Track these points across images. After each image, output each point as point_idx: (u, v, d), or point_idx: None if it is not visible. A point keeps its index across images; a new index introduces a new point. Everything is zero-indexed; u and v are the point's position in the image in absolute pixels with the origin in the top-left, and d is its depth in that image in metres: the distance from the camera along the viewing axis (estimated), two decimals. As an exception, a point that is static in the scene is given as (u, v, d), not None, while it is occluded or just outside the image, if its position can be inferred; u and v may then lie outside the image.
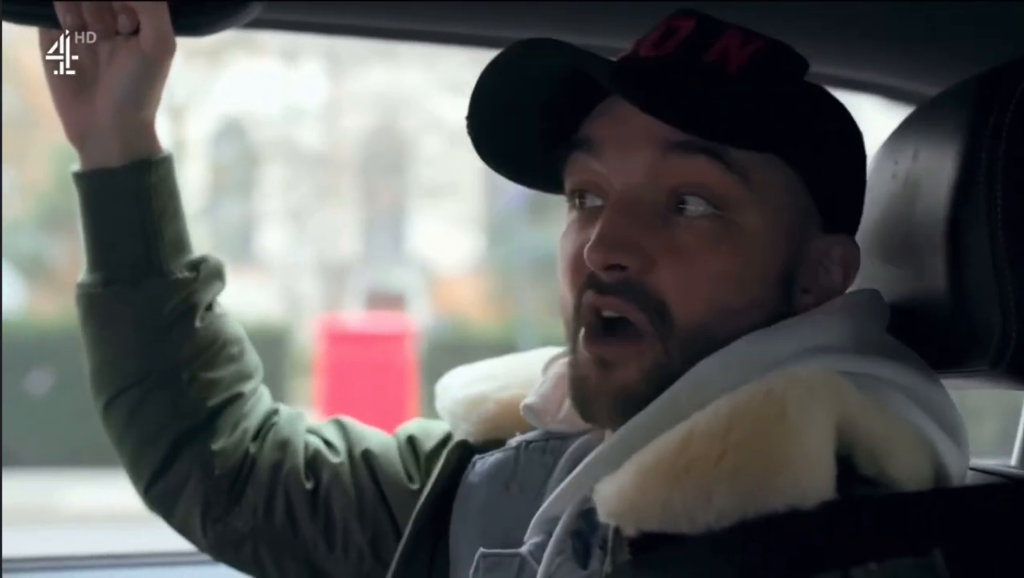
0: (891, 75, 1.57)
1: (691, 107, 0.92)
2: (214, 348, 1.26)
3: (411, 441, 1.28)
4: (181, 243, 1.25)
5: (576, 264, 0.97)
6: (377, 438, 1.29)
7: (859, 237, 1.11)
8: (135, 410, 1.25)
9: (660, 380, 0.93)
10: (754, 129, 0.94)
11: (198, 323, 1.25)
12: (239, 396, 1.28)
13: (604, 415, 0.96)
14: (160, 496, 1.29)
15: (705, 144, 0.92)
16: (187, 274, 1.24)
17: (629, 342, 0.94)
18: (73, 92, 1.22)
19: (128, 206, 1.22)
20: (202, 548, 1.31)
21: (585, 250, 0.94)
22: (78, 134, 1.23)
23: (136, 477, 1.30)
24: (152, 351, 1.24)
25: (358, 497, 1.25)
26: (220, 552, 1.30)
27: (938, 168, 0.97)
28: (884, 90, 1.62)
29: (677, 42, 0.97)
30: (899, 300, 1.02)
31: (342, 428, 1.31)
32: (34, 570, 1.81)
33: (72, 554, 1.87)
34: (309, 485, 1.26)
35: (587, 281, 0.96)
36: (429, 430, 1.28)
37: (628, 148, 0.95)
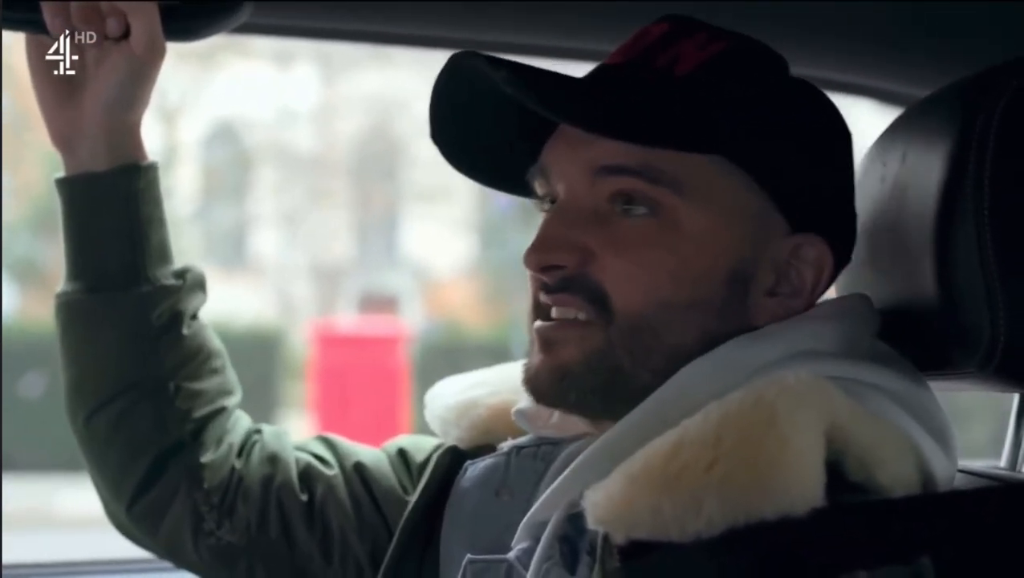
0: (881, 78, 1.58)
1: (603, 114, 0.94)
2: (199, 358, 1.25)
3: (402, 453, 1.27)
4: (166, 251, 1.24)
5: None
6: (367, 452, 1.28)
7: (847, 240, 1.11)
8: (119, 422, 1.22)
9: (600, 366, 0.95)
10: (677, 133, 0.95)
11: (185, 331, 1.23)
12: (223, 410, 1.26)
13: (546, 390, 0.98)
14: (145, 513, 1.25)
15: (625, 165, 0.95)
16: (173, 282, 1.23)
17: (572, 326, 0.97)
18: (60, 96, 1.21)
19: (114, 211, 1.21)
20: (191, 566, 1.28)
21: (523, 254, 0.97)
22: (64, 138, 1.22)
23: (116, 494, 1.26)
24: (138, 360, 1.22)
25: (355, 508, 1.24)
26: (213, 570, 1.26)
27: (926, 171, 0.98)
28: (874, 92, 1.62)
29: (639, 48, 1.00)
30: (888, 303, 1.03)
31: (329, 443, 1.29)
32: (34, 577, 1.81)
33: (71, 561, 1.87)
34: (304, 497, 1.24)
35: (538, 284, 0.99)
36: (419, 443, 1.27)
37: (567, 166, 0.98)
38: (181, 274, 1.24)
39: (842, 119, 1.03)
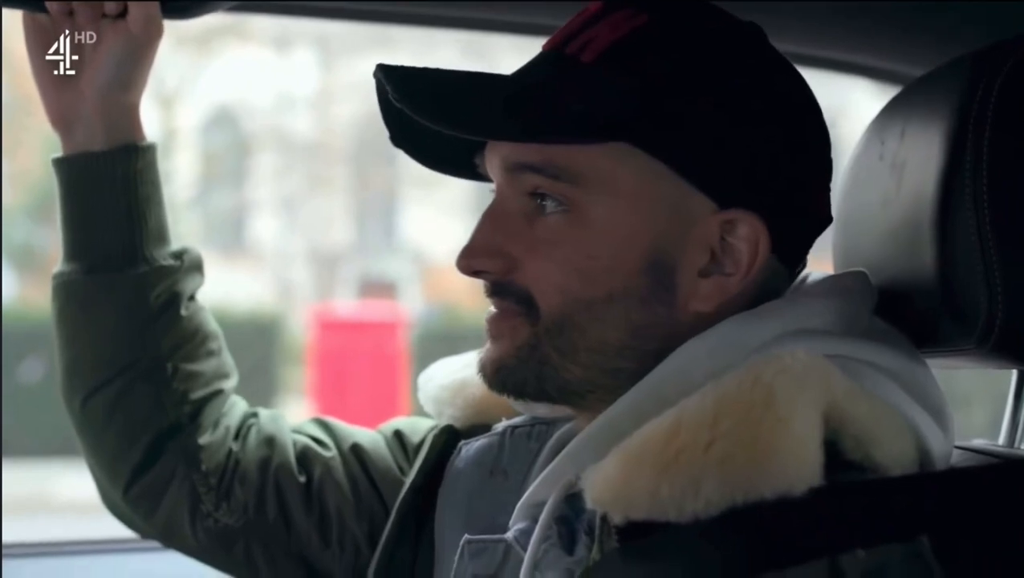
0: (878, 56, 1.57)
1: (478, 118, 0.94)
2: (196, 340, 1.25)
3: (398, 435, 1.27)
4: (163, 232, 1.24)
5: None
6: (364, 434, 1.28)
7: (846, 218, 1.11)
8: (117, 404, 1.22)
9: (531, 358, 0.97)
10: (565, 126, 0.93)
11: (183, 312, 1.23)
12: (220, 392, 1.27)
13: (489, 380, 1.00)
14: (142, 495, 1.25)
15: (528, 161, 0.94)
16: (171, 262, 1.23)
17: (506, 319, 0.98)
18: (58, 77, 1.20)
19: (113, 191, 1.21)
20: (188, 549, 1.28)
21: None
22: (62, 119, 1.22)
23: (113, 476, 1.26)
24: (137, 340, 1.21)
25: (352, 490, 1.24)
26: (210, 552, 1.27)
27: (925, 149, 0.97)
28: (872, 72, 1.62)
29: (564, 32, 0.98)
30: (886, 280, 1.03)
31: (326, 426, 1.30)
32: (33, 556, 1.81)
33: (71, 539, 1.87)
34: (302, 479, 1.24)
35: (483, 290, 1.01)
36: (415, 425, 1.28)
37: (489, 162, 1.00)
38: (179, 255, 1.24)
39: (781, 84, 0.97)
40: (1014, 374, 1.16)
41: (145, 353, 1.22)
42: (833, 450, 0.82)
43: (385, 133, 1.05)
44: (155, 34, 1.19)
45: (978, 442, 1.12)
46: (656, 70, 0.93)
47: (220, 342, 1.28)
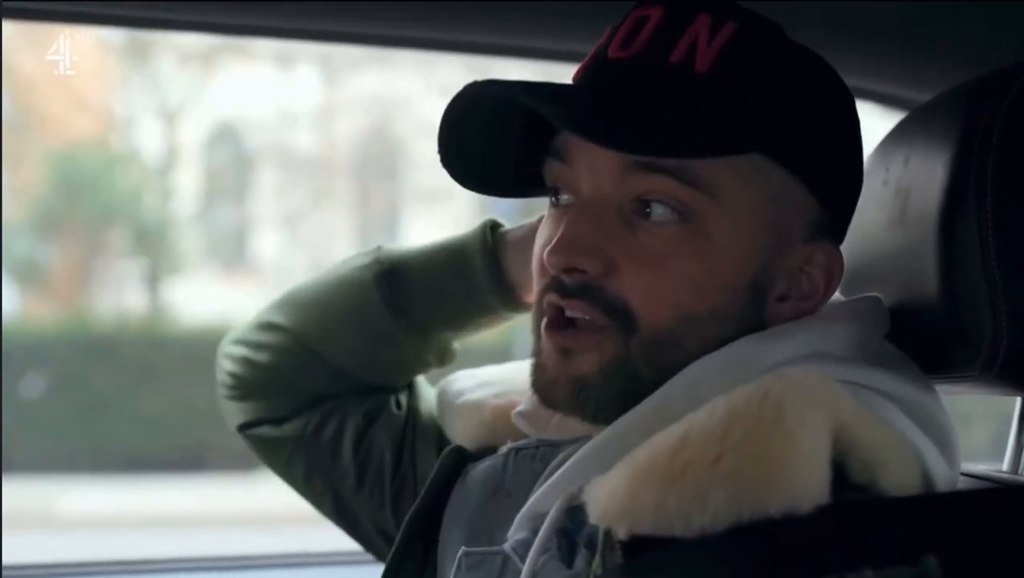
0: (883, 81, 1.58)
1: (642, 133, 0.90)
2: None
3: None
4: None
5: (543, 261, 0.97)
6: (428, 398, 1.30)
7: (852, 242, 1.11)
8: None
9: (618, 375, 0.94)
10: (716, 140, 0.92)
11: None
12: None
13: (564, 401, 0.97)
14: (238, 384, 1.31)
15: (665, 165, 0.91)
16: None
17: (589, 333, 0.94)
18: None
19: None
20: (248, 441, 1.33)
21: (545, 252, 0.94)
22: None
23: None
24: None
25: (397, 450, 1.26)
26: (259, 449, 1.31)
27: (929, 174, 0.97)
28: (877, 96, 1.62)
29: (644, 39, 0.95)
30: (891, 306, 1.03)
31: (410, 386, 1.32)
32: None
33: (71, 561, 1.87)
34: (364, 422, 1.26)
35: (551, 282, 0.96)
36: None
37: (595, 157, 0.94)
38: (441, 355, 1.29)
39: (852, 106, 1.00)
40: (1018, 401, 1.16)
41: None
42: (839, 471, 0.81)
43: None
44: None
45: (982, 468, 1.12)
46: (773, 81, 0.94)
47: None
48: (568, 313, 0.95)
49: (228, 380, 1.30)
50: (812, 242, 0.97)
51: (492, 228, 1.22)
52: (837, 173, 0.98)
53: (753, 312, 0.96)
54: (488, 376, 1.22)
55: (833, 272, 0.98)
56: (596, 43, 1.00)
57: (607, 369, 0.94)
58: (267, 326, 1.29)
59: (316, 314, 1.27)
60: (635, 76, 0.95)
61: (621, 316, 0.93)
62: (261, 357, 1.28)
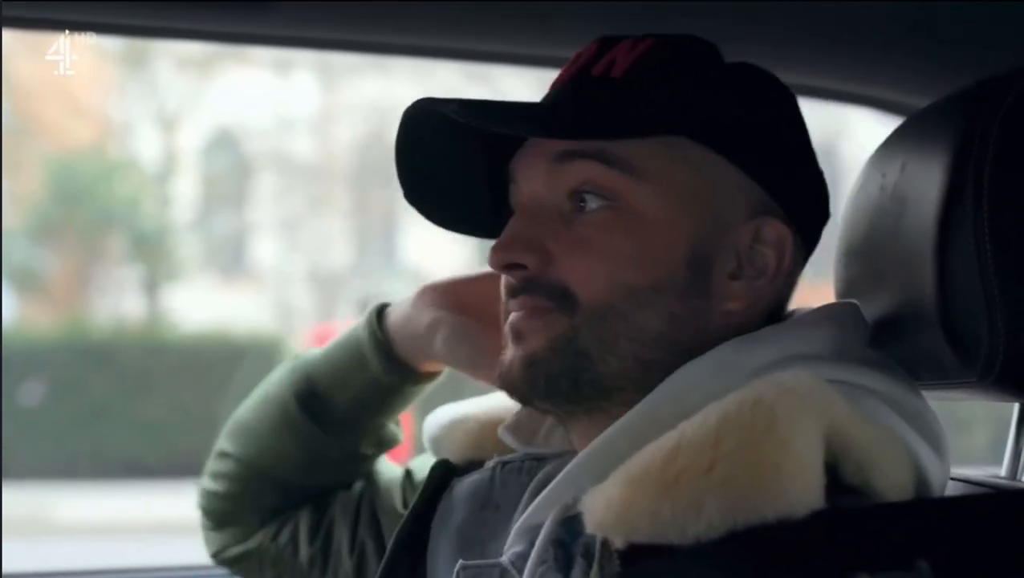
0: (881, 87, 1.58)
1: (554, 118, 1.00)
2: None
3: (408, 472, 1.31)
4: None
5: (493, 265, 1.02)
6: (387, 468, 1.33)
7: (848, 249, 1.11)
8: None
9: (566, 351, 0.97)
10: (625, 123, 0.98)
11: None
12: None
13: (519, 381, 1.00)
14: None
15: (582, 149, 0.97)
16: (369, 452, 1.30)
17: (537, 316, 0.99)
18: None
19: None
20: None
21: (488, 255, 0.99)
22: None
23: None
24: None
25: (353, 522, 1.28)
26: (234, 570, 1.34)
27: (925, 181, 0.97)
28: (874, 102, 1.62)
29: (577, 65, 1.03)
30: (888, 312, 1.03)
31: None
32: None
33: (67, 570, 1.87)
34: (317, 514, 1.30)
35: (504, 291, 1.02)
36: (424, 462, 1.30)
37: (529, 165, 1.01)
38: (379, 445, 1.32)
39: (791, 100, 1.05)
40: (1016, 407, 1.16)
41: None
42: (833, 474, 0.82)
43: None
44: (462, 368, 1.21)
45: (978, 473, 1.12)
46: (689, 72, 1.00)
47: None
48: (516, 309, 1.00)
49: (201, 514, 1.36)
50: (757, 219, 0.99)
51: (379, 313, 1.27)
52: (772, 154, 1.01)
53: (698, 287, 0.98)
54: (473, 403, 1.24)
55: (784, 249, 1.00)
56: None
57: (555, 344, 0.98)
58: (220, 455, 1.33)
59: (253, 436, 1.30)
60: (559, 88, 1.04)
61: (562, 297, 0.97)
62: (219, 486, 1.32)
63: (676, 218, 0.97)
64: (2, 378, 8.46)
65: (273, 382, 1.31)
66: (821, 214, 1.05)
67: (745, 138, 0.99)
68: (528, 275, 0.99)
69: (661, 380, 0.95)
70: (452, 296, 1.22)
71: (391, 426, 1.31)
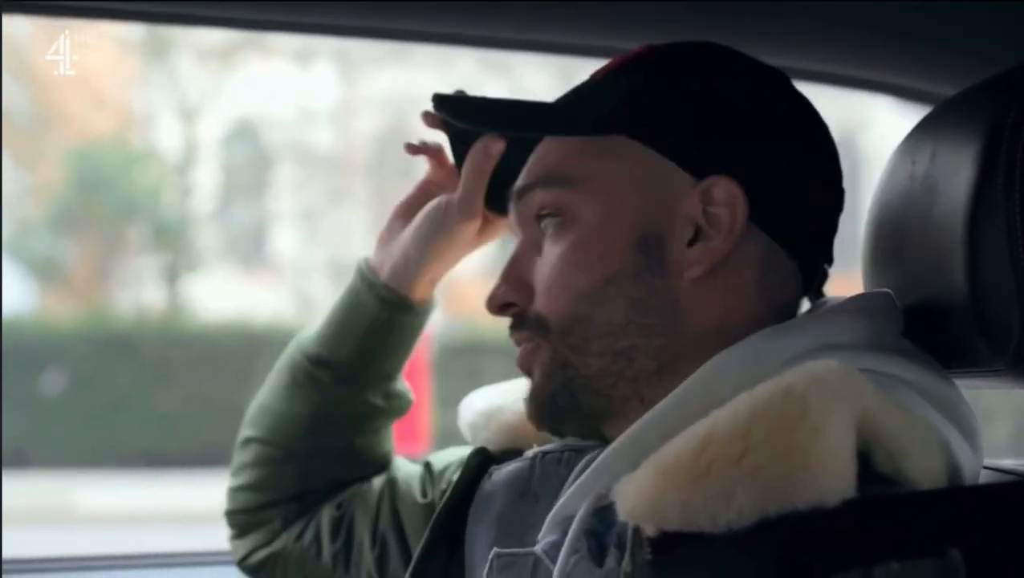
0: (906, 76, 1.57)
1: (497, 111, 1.09)
2: None
3: (427, 465, 1.32)
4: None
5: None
6: (406, 466, 1.35)
7: (877, 237, 1.10)
8: None
9: (555, 375, 1.02)
10: (563, 121, 1.05)
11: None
12: None
13: (537, 420, 1.06)
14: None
15: (532, 181, 1.05)
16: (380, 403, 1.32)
17: (530, 349, 1.05)
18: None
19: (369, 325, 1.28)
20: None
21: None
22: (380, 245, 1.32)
23: None
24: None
25: (374, 519, 1.29)
26: (255, 570, 1.36)
27: (956, 168, 0.97)
28: (899, 91, 1.61)
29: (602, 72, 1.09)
30: (917, 300, 1.02)
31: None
32: (35, 571, 1.81)
33: (75, 555, 1.87)
34: (337, 512, 1.31)
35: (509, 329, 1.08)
36: (443, 454, 1.32)
37: (512, 209, 1.09)
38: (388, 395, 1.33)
39: (756, 73, 1.06)
40: (1045, 395, 1.15)
41: None
42: (865, 462, 0.81)
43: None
44: (462, 219, 1.21)
45: (1008, 462, 1.11)
46: (642, 73, 1.04)
47: None
48: (517, 345, 1.06)
49: (227, 521, 1.37)
50: (704, 181, 1.00)
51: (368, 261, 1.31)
52: (692, 135, 1.01)
53: (651, 266, 0.99)
54: (509, 387, 1.25)
55: (736, 205, 0.99)
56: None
57: (546, 371, 1.03)
58: (241, 444, 1.35)
59: (268, 411, 1.33)
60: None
61: (539, 326, 1.03)
62: (242, 479, 1.34)
63: (615, 212, 1.00)
64: (22, 368, 8.52)
65: (282, 356, 1.35)
66: (793, 183, 1.03)
67: (677, 129, 1.01)
68: (517, 312, 1.05)
69: (654, 365, 0.99)
70: (406, 206, 1.29)
71: (399, 380, 1.33)
